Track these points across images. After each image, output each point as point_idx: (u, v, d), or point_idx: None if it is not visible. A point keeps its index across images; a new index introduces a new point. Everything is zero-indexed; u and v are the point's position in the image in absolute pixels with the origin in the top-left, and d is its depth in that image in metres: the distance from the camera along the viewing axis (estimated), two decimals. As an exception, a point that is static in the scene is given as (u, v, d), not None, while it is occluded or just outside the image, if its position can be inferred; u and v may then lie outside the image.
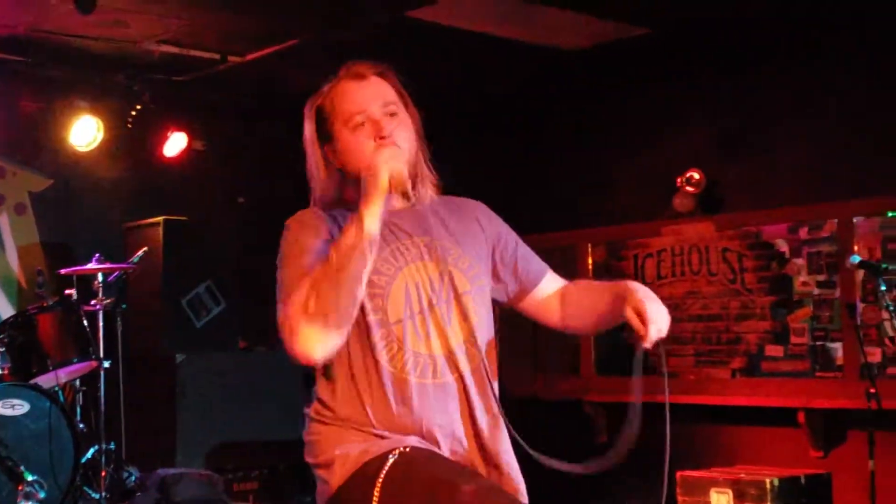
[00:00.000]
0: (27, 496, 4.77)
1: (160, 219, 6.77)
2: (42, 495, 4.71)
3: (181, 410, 6.48)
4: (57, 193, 7.04)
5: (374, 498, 2.34)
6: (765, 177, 6.77)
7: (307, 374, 2.58)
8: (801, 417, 6.36)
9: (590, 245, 7.68)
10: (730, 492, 5.81)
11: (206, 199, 7.49)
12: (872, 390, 5.32)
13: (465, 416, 2.50)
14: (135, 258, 6.00)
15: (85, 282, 5.85)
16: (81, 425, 5.48)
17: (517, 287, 2.74)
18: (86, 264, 5.80)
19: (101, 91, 6.95)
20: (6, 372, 5.32)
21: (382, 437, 2.43)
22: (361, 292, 2.40)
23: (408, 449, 2.40)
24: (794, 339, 6.67)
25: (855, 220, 6.38)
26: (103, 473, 5.50)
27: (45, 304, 5.48)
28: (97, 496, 5.29)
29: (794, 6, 5.70)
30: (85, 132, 6.87)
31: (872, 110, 6.27)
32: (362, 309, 2.43)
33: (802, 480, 5.85)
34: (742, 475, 5.89)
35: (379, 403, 2.45)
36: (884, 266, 4.88)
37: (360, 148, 2.54)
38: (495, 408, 2.55)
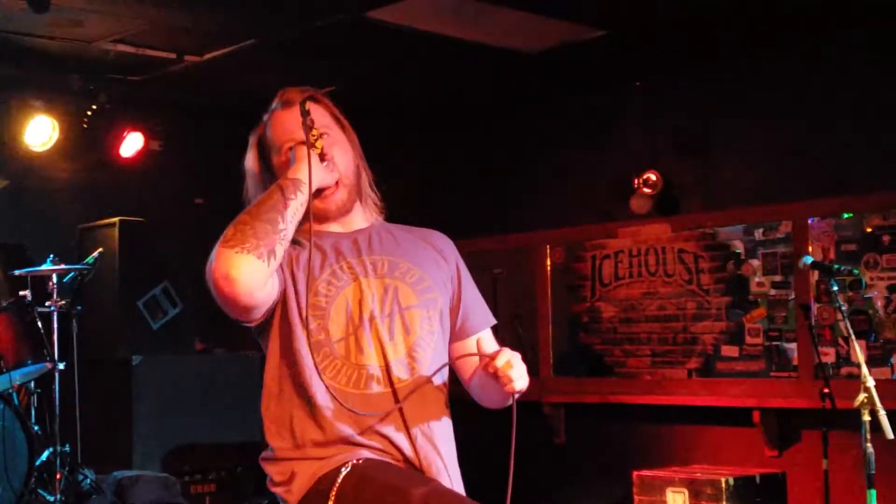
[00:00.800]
0: (-20, 499, 4.73)
1: (116, 220, 6.71)
2: (-5, 498, 4.67)
3: (138, 413, 6.43)
4: (11, 194, 6.97)
5: None
6: (721, 178, 6.83)
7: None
8: (756, 417, 6.42)
9: (548, 247, 7.72)
10: (685, 491, 5.84)
11: (163, 200, 7.44)
12: (826, 390, 5.38)
13: (402, 428, 2.50)
14: (90, 259, 5.95)
15: (39, 283, 5.80)
16: (36, 427, 5.43)
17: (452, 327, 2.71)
18: (40, 265, 5.75)
19: (57, 91, 6.89)
20: (-41, 374, 5.26)
21: (333, 455, 2.44)
22: (287, 226, 2.42)
23: (360, 461, 2.42)
24: (749, 340, 6.73)
25: (810, 222, 6.44)
26: (58, 476, 5.45)
27: (-2, 306, 5.42)
28: (52, 499, 5.25)
29: (748, 7, 5.73)
30: (40, 132, 6.80)
31: (829, 112, 6.33)
32: (306, 332, 2.46)
33: (757, 479, 5.90)
34: (698, 474, 5.93)
35: (324, 419, 2.45)
36: (836, 267, 4.93)
37: None
38: (433, 423, 2.54)
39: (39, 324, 5.47)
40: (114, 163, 7.22)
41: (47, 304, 5.68)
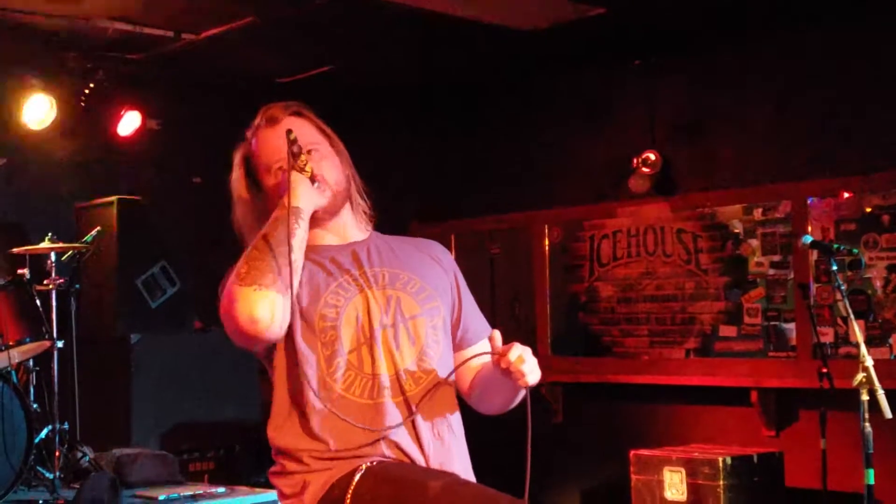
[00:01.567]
0: (-20, 477, 4.74)
1: (114, 198, 6.70)
2: (-6, 476, 4.68)
3: (136, 391, 6.43)
4: (9, 172, 6.95)
5: None
6: (720, 158, 6.82)
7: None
8: (753, 397, 6.43)
9: (546, 226, 7.71)
10: (683, 470, 5.85)
11: (161, 178, 7.43)
12: (825, 370, 5.38)
13: (414, 436, 2.50)
14: (88, 238, 5.95)
15: (38, 261, 5.79)
16: (35, 405, 5.44)
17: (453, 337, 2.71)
18: (38, 244, 5.74)
19: (54, 69, 6.87)
20: (-42, 352, 5.26)
21: (346, 459, 2.44)
22: (298, 256, 2.43)
23: (374, 463, 2.42)
24: (747, 320, 6.74)
25: (809, 202, 6.44)
26: (57, 453, 5.45)
27: (-4, 284, 5.42)
28: (51, 476, 5.25)
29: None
30: (37, 110, 6.78)
31: (828, 92, 6.32)
32: (317, 344, 2.47)
33: (755, 459, 5.91)
34: (695, 454, 5.94)
35: (336, 430, 2.45)
36: (836, 246, 4.92)
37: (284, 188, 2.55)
38: (444, 429, 2.55)
39: (38, 302, 5.46)
40: (112, 141, 7.21)
41: (45, 282, 5.68)
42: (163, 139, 7.48)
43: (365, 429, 2.43)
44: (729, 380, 6.58)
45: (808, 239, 4.74)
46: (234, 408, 6.64)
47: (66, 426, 5.61)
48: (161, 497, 5.08)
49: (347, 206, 2.67)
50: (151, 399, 6.46)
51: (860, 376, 4.24)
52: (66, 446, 5.57)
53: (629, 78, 7.15)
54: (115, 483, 5.09)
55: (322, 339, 2.49)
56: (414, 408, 2.49)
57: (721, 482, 5.71)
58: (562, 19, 6.24)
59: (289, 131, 2.50)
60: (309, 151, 2.54)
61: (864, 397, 4.24)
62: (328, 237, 2.63)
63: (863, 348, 4.28)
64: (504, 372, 2.40)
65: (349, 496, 2.37)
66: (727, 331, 6.82)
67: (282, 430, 2.53)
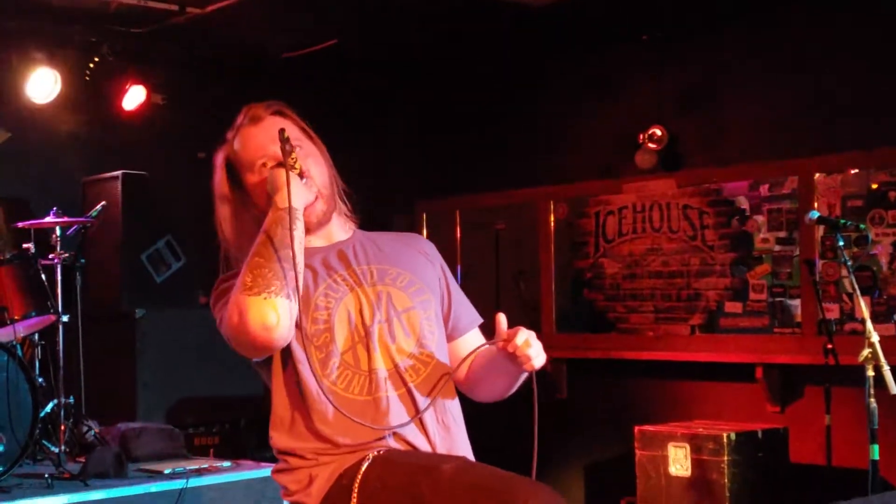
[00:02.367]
0: (-15, 450, 4.74)
1: (119, 173, 6.69)
2: (0, 448, 4.67)
3: (141, 365, 6.44)
4: (13, 147, 6.94)
5: (353, 498, 2.36)
6: (726, 133, 6.79)
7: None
8: (758, 373, 6.43)
9: (552, 202, 7.70)
10: (687, 446, 5.86)
11: (166, 153, 7.41)
12: (830, 346, 5.38)
13: (419, 426, 2.50)
14: (93, 212, 5.93)
15: (43, 236, 5.78)
16: (40, 379, 5.44)
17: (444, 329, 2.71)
18: (43, 218, 5.74)
19: (59, 43, 6.85)
20: (-37, 326, 5.26)
21: (353, 453, 2.44)
22: (300, 258, 2.40)
23: (381, 452, 2.42)
24: (753, 296, 6.73)
25: (816, 177, 6.42)
26: (62, 427, 5.47)
27: (1, 258, 5.41)
28: (56, 450, 5.26)
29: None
30: (42, 85, 6.77)
31: (836, 67, 6.29)
32: (311, 348, 2.46)
33: (759, 435, 5.92)
34: (700, 430, 5.95)
35: (341, 427, 2.44)
36: (842, 222, 4.91)
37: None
38: (448, 418, 2.55)
39: (43, 276, 5.46)
40: (116, 116, 7.20)
41: (51, 256, 5.67)
42: (167, 114, 7.46)
43: (373, 427, 2.42)
44: (734, 356, 6.58)
45: (815, 214, 4.74)
46: (239, 382, 6.63)
47: (71, 400, 5.62)
48: (166, 471, 5.09)
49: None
50: (156, 373, 6.47)
51: (866, 352, 4.24)
52: (71, 420, 5.58)
53: (636, 53, 7.12)
54: (120, 457, 5.10)
55: (315, 343, 2.48)
56: (421, 403, 2.49)
57: (726, 458, 5.72)
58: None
59: (282, 130, 2.49)
60: (296, 147, 2.54)
61: (870, 373, 4.25)
62: (314, 240, 2.61)
63: (868, 324, 4.28)
64: (510, 356, 2.40)
65: (357, 484, 2.36)
66: (733, 307, 6.81)
67: (284, 432, 2.52)
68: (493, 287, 7.77)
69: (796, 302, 6.53)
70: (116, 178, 6.69)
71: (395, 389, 2.49)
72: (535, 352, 2.38)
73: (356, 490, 2.36)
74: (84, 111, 7.17)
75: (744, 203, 6.82)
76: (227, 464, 5.43)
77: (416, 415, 2.48)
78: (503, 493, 2.18)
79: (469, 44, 7.37)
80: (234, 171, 2.65)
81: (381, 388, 2.47)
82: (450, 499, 2.21)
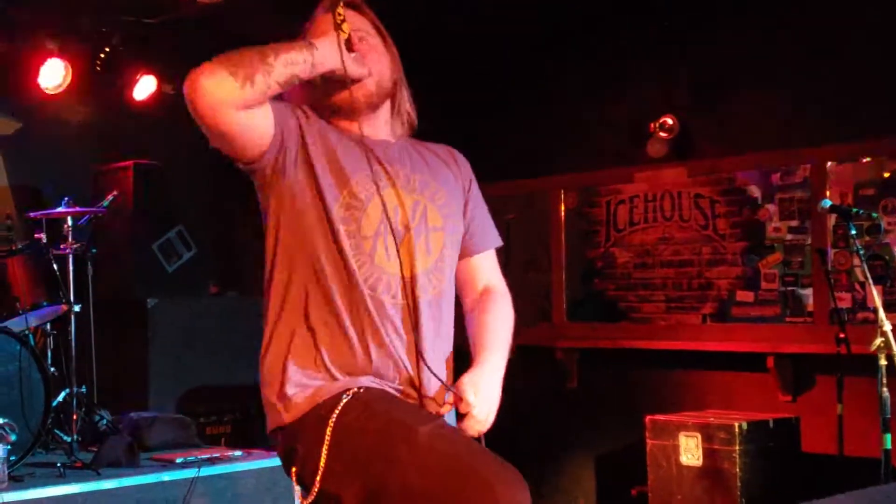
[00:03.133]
0: (-2, 439, 4.76)
1: (130, 163, 6.71)
2: (13, 438, 4.69)
3: (153, 355, 6.46)
4: (25, 136, 6.96)
5: (326, 438, 2.38)
6: (738, 122, 6.77)
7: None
8: (770, 362, 6.41)
9: (563, 191, 7.68)
10: (699, 435, 5.85)
11: (177, 143, 7.41)
12: (842, 335, 5.36)
13: (411, 342, 2.51)
14: (105, 202, 5.95)
15: (54, 225, 5.80)
16: (52, 369, 5.46)
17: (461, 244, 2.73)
18: (55, 208, 5.75)
19: (70, 33, 6.85)
20: (-25, 316, 5.27)
21: (336, 378, 2.46)
22: (276, 65, 2.43)
23: (361, 390, 2.42)
24: (764, 285, 6.71)
25: (828, 166, 6.40)
26: (75, 416, 5.48)
27: (14, 248, 5.42)
28: (69, 439, 5.28)
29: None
30: (53, 75, 6.78)
31: (846, 55, 6.26)
32: (336, 226, 2.46)
33: (771, 424, 5.91)
34: (711, 419, 5.94)
35: (342, 313, 2.47)
36: (855, 210, 4.90)
37: None
38: (439, 343, 2.57)
39: (55, 266, 5.47)
40: (127, 106, 7.21)
41: (62, 246, 5.69)
42: (178, 104, 7.43)
43: (446, 387, 2.48)
44: (745, 345, 6.57)
45: (828, 203, 4.73)
46: (251, 371, 6.57)
47: (83, 389, 5.63)
48: (178, 460, 5.11)
49: (387, 105, 2.66)
50: (168, 363, 6.49)
51: (878, 341, 4.24)
52: (83, 409, 5.60)
53: (647, 42, 7.10)
54: (132, 446, 5.12)
55: (343, 214, 2.48)
56: (424, 311, 2.51)
57: (737, 447, 5.71)
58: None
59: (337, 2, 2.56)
60: (361, 39, 2.60)
61: (882, 362, 4.24)
62: (365, 128, 2.59)
63: (881, 313, 4.28)
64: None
65: (332, 420, 2.38)
66: (744, 296, 6.80)
67: (279, 321, 2.73)
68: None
69: (808, 291, 6.51)
70: (128, 168, 6.71)
71: (398, 299, 2.49)
72: (470, 424, 2.46)
73: (331, 424, 2.38)
74: (95, 101, 7.19)
75: (755, 192, 6.80)
76: (238, 453, 5.44)
77: (421, 357, 2.50)
78: (470, 475, 2.19)
79: (478, 32, 7.36)
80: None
81: (386, 291, 2.48)
82: (423, 468, 2.23)
